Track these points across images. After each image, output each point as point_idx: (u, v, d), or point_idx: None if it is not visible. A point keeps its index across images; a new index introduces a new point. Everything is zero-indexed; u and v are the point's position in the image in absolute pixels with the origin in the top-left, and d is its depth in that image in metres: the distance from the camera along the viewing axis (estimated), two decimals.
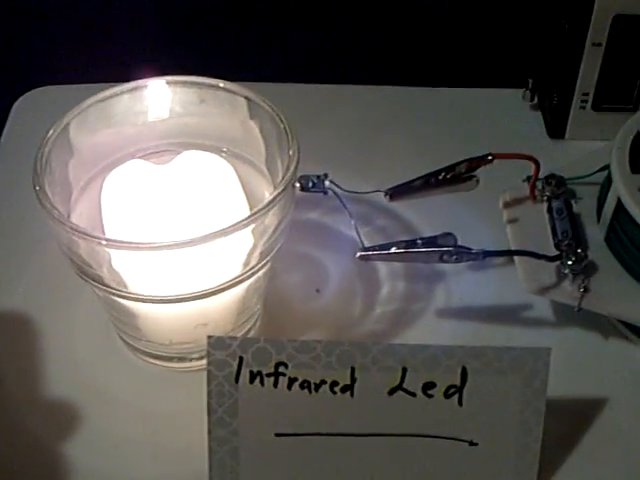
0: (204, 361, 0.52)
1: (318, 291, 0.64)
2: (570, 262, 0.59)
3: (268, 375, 0.52)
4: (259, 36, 0.82)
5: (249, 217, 0.52)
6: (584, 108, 0.73)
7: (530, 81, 0.76)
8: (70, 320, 0.63)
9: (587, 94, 0.72)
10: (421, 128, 0.77)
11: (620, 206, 0.59)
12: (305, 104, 0.76)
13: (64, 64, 0.79)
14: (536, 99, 0.77)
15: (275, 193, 0.53)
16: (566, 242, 0.60)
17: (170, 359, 0.59)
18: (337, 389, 0.52)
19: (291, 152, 0.55)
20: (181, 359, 0.59)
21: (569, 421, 0.58)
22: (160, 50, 0.79)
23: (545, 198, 0.63)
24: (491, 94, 0.79)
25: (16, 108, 0.77)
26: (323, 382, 0.52)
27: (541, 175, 0.63)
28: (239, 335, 0.59)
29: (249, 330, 0.60)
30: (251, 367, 0.52)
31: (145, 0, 0.79)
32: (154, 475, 0.56)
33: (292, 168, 0.54)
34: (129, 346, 0.60)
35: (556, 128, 0.75)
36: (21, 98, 0.77)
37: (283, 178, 0.54)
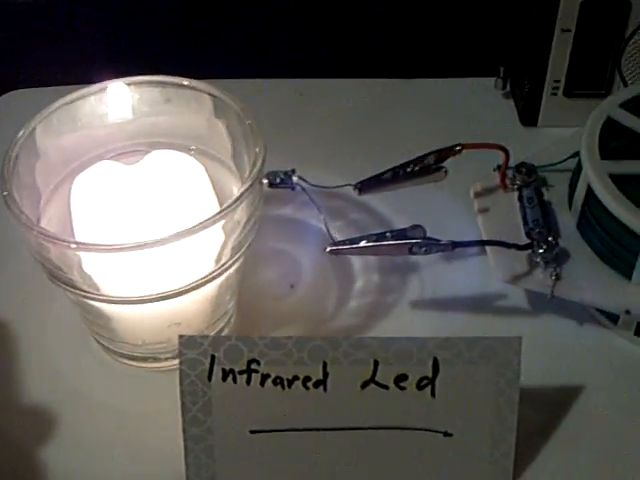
0: (177, 360, 0.52)
1: (292, 287, 0.64)
2: (541, 250, 0.59)
3: (240, 372, 0.52)
4: (226, 32, 0.82)
5: (218, 214, 0.52)
6: (556, 95, 0.73)
7: (501, 69, 0.76)
8: (44, 323, 0.63)
9: (558, 81, 0.72)
10: (392, 120, 0.77)
11: (590, 192, 0.59)
12: (273, 99, 0.76)
13: (29, 69, 0.79)
14: (508, 87, 0.77)
15: (243, 189, 0.53)
16: (537, 230, 0.60)
17: (144, 359, 0.60)
18: (310, 384, 0.52)
19: (257, 149, 0.55)
20: (155, 359, 0.59)
21: (545, 409, 0.58)
22: (126, 51, 0.79)
23: (516, 187, 0.64)
24: (463, 83, 0.79)
25: None
26: (296, 378, 0.52)
27: (512, 163, 0.64)
28: (213, 333, 0.59)
29: (223, 328, 0.60)
30: (223, 365, 0.52)
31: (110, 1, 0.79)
32: (131, 475, 0.56)
33: (259, 164, 0.54)
34: (104, 347, 0.61)
35: (528, 115, 0.75)
36: None
37: (250, 174, 0.54)
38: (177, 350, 0.52)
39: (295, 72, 0.79)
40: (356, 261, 0.66)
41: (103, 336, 0.60)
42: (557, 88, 0.73)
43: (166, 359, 0.59)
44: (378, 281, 0.65)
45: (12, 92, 0.77)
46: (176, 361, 0.56)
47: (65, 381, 0.60)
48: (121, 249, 0.51)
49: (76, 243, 0.52)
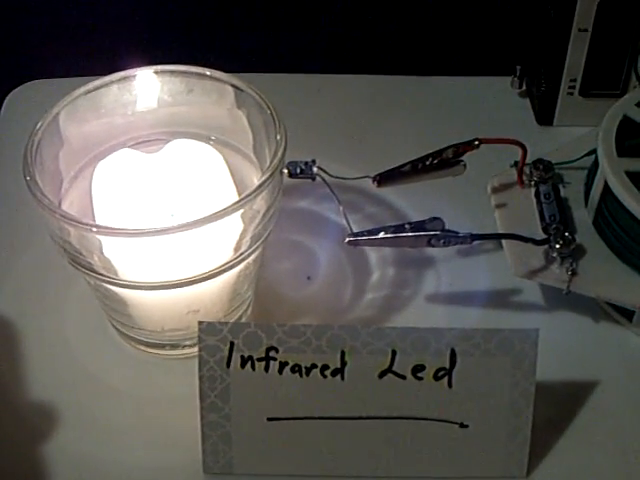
0: (196, 348, 0.53)
1: (309, 278, 0.65)
2: (558, 245, 0.59)
3: (259, 360, 0.52)
4: (248, 27, 0.82)
5: (238, 202, 0.53)
6: (572, 94, 0.73)
7: (518, 68, 0.76)
8: (62, 310, 0.63)
9: (574, 80, 0.73)
10: (409, 116, 0.77)
11: (607, 189, 0.60)
12: (293, 94, 0.77)
13: (53, 58, 0.79)
14: (524, 86, 0.77)
15: (263, 178, 0.53)
16: (554, 226, 0.61)
17: (162, 346, 0.60)
18: (327, 373, 0.53)
19: (278, 137, 0.55)
20: (173, 346, 0.60)
21: (559, 404, 0.58)
22: (148, 43, 0.79)
23: (533, 183, 0.64)
24: (479, 82, 0.79)
25: (8, 102, 0.77)
26: (314, 366, 0.53)
27: (529, 160, 0.64)
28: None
29: (240, 317, 0.61)
30: (242, 352, 0.52)
31: None
32: (148, 462, 0.56)
33: (279, 153, 0.55)
34: (121, 334, 0.61)
35: (544, 115, 0.75)
36: (12, 92, 0.78)
37: (271, 163, 0.54)
38: (195, 338, 0.53)
39: (316, 68, 0.79)
40: (372, 254, 0.66)
41: (121, 323, 0.60)
42: (573, 87, 0.73)
43: (184, 347, 0.59)
44: (394, 274, 0.65)
45: (33, 81, 0.78)
46: (194, 349, 0.56)
47: (83, 367, 0.60)
48: (142, 234, 0.52)
49: (97, 227, 0.53)
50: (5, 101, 0.77)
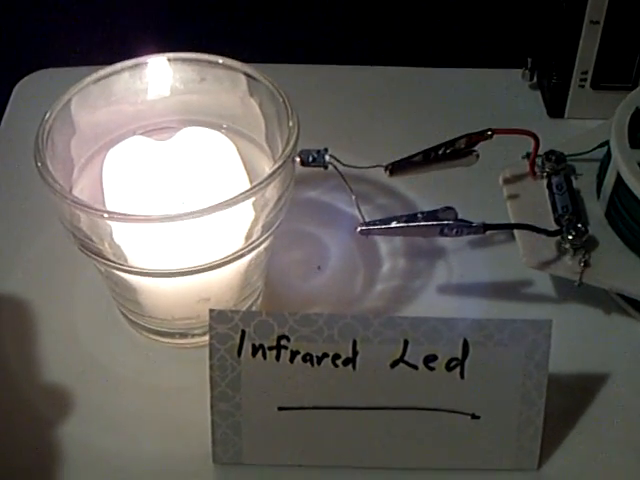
0: (206, 337, 0.52)
1: (319, 268, 0.64)
2: (570, 237, 0.59)
3: (270, 348, 0.52)
4: (259, 17, 0.82)
5: (249, 190, 0.52)
6: (583, 87, 0.73)
7: (529, 60, 0.76)
8: (72, 298, 0.63)
9: (586, 72, 0.72)
10: (421, 108, 0.77)
11: (620, 181, 0.59)
12: (305, 84, 0.76)
13: (64, 47, 0.79)
14: (535, 78, 0.77)
15: (275, 166, 0.53)
16: (566, 217, 0.60)
17: (172, 335, 0.60)
18: (339, 362, 0.52)
19: (291, 124, 0.55)
20: (183, 335, 0.59)
21: (571, 396, 0.58)
22: (160, 32, 0.79)
23: (545, 174, 0.64)
24: (490, 74, 0.79)
25: (17, 90, 0.77)
26: (325, 355, 0.52)
27: (540, 152, 0.64)
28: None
29: (250, 306, 0.60)
30: (253, 340, 0.52)
31: None
32: (157, 451, 0.56)
33: (292, 141, 0.54)
34: (131, 323, 0.61)
35: (555, 107, 0.75)
36: (22, 80, 0.78)
37: (283, 151, 0.54)
38: (205, 326, 0.52)
39: (327, 59, 0.79)
40: (383, 245, 0.66)
41: (131, 311, 0.60)
42: (585, 80, 0.73)
43: (194, 335, 0.59)
44: (405, 265, 0.65)
45: (44, 70, 0.78)
46: (204, 337, 0.56)
47: (92, 356, 0.60)
48: (152, 220, 0.52)
49: (108, 212, 0.53)
50: (15, 89, 0.77)
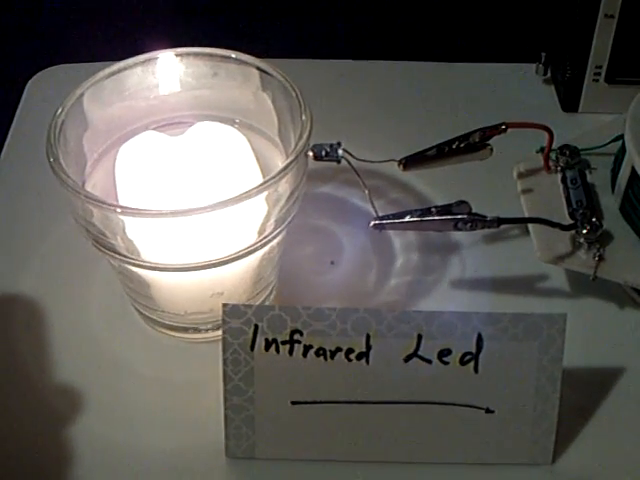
0: (219, 332, 0.52)
1: (333, 263, 0.64)
2: (585, 231, 0.59)
3: (283, 343, 0.52)
4: (271, 12, 0.82)
5: (262, 184, 0.52)
6: (597, 81, 0.73)
7: (543, 55, 0.76)
8: (85, 294, 0.63)
9: (600, 67, 0.72)
10: (435, 103, 0.77)
11: (634, 175, 0.59)
12: (318, 79, 0.76)
13: (76, 43, 0.79)
14: (549, 73, 0.77)
15: (288, 160, 0.53)
16: (581, 211, 0.60)
17: (186, 330, 0.60)
18: (352, 356, 0.52)
19: (304, 118, 0.55)
20: (196, 330, 0.59)
21: (585, 390, 0.58)
22: (172, 27, 0.79)
23: (559, 169, 0.64)
24: (504, 69, 0.79)
25: (30, 86, 0.77)
26: (338, 349, 0.52)
27: (555, 146, 0.63)
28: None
29: (264, 301, 0.60)
30: (266, 335, 0.52)
31: None
32: (170, 445, 0.56)
33: (304, 135, 0.54)
34: (144, 317, 0.61)
35: (570, 101, 0.75)
36: (35, 76, 0.78)
37: (296, 145, 0.54)
38: (218, 321, 0.52)
39: (342, 54, 0.79)
40: (397, 240, 0.65)
41: (144, 306, 0.60)
42: (599, 74, 0.73)
43: (207, 330, 0.59)
44: (418, 260, 0.65)
45: (56, 66, 0.78)
46: (217, 332, 0.56)
47: (105, 351, 0.60)
48: (165, 215, 0.52)
49: (121, 207, 0.52)
50: (28, 85, 0.77)
